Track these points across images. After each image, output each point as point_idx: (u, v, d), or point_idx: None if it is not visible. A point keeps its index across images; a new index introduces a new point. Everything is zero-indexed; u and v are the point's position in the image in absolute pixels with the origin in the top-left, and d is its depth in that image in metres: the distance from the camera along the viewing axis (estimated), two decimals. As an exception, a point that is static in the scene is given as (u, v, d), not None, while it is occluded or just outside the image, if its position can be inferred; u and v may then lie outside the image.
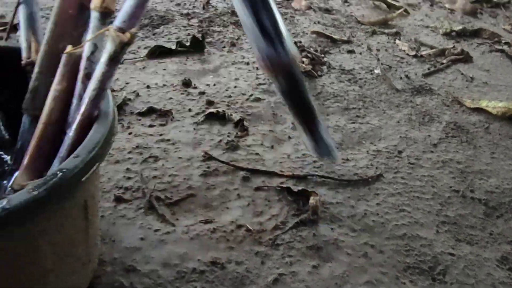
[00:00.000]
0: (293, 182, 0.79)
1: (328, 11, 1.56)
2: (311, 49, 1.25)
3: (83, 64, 0.48)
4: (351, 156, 0.88)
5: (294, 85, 0.35)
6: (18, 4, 0.53)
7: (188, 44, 1.18)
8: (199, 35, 1.21)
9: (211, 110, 0.94)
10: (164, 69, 1.09)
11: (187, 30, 1.31)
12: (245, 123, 0.92)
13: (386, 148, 0.91)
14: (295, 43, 1.23)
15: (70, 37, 0.50)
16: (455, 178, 0.85)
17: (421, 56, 1.31)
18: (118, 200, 0.72)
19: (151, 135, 0.87)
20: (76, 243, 0.49)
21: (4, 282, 0.40)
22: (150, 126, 0.89)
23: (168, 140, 0.86)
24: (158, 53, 1.13)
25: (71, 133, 0.45)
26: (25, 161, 0.48)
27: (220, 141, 0.87)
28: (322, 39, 1.34)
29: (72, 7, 0.50)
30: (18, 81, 0.53)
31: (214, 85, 1.05)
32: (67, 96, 0.48)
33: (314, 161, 0.85)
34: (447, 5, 1.74)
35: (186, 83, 1.03)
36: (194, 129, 0.89)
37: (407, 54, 1.32)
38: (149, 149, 0.83)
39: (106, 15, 0.46)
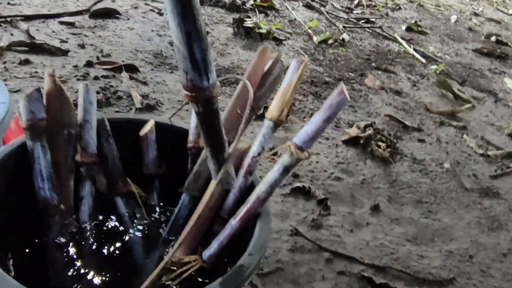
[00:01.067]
0: (373, 271, 0.84)
1: (398, 93, 1.64)
2: (385, 132, 1.32)
3: (247, 160, 0.55)
4: (425, 253, 0.92)
5: (210, 111, 0.39)
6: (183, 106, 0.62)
7: (274, 110, 1.26)
8: (284, 103, 1.30)
9: (297, 184, 1.00)
10: (252, 132, 1.17)
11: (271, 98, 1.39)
12: (328, 202, 0.98)
13: (457, 250, 0.95)
14: (371, 124, 1.30)
15: (235, 132, 0.58)
16: (525, 294, 0.88)
17: (488, 156, 1.36)
18: (216, 262, 0.78)
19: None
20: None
21: None
22: (242, 190, 0.96)
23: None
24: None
25: (234, 222, 0.52)
26: (183, 236, 0.55)
27: (306, 217, 0.93)
28: (394, 123, 1.41)
29: (241, 109, 0.58)
30: (178, 160, 0.61)
31: (298, 156, 1.12)
32: (228, 186, 0.55)
33: (391, 253, 0.90)
34: (511, 104, 1.80)
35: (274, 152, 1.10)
36: (282, 201, 0.96)
37: (475, 152, 1.37)
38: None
39: (278, 125, 0.54)
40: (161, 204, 0.62)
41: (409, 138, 1.36)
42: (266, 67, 0.60)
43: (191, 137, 0.61)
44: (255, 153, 0.55)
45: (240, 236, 0.52)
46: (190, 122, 0.62)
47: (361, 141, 1.23)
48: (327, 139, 1.23)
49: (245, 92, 0.58)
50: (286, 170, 0.51)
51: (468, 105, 1.63)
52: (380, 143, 1.23)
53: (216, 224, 0.56)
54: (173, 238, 0.57)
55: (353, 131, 1.26)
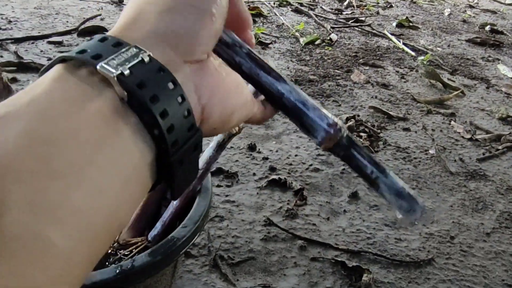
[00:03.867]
0: (347, 256, 0.84)
1: (385, 86, 1.64)
2: (369, 123, 1.32)
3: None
4: (403, 236, 0.92)
5: (349, 151, 0.32)
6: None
7: (254, 109, 1.28)
8: (264, 102, 1.31)
9: (274, 176, 1.01)
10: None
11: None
12: (305, 193, 0.98)
13: (438, 232, 0.94)
14: (353, 116, 1.31)
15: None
16: (507, 271, 0.86)
17: (476, 140, 1.34)
18: (186, 255, 0.79)
19: (217, 195, 0.95)
20: (161, 296, 0.56)
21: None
22: (218, 186, 0.97)
23: (233, 201, 0.93)
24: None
25: (175, 202, 0.53)
26: (131, 220, 0.56)
27: (281, 207, 0.93)
28: (379, 114, 1.41)
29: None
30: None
31: (277, 151, 1.13)
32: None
33: (368, 238, 0.90)
34: (503, 89, 1.78)
35: (251, 147, 1.11)
36: (257, 193, 0.97)
37: (462, 137, 1.35)
38: (216, 209, 0.91)
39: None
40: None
41: (393, 127, 1.35)
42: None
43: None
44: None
45: (184, 214, 0.53)
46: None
47: (342, 133, 1.23)
48: (308, 133, 1.24)
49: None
50: (220, 146, 0.52)
51: (456, 92, 1.62)
52: (361, 134, 1.23)
53: (163, 207, 0.57)
54: (124, 223, 0.58)
55: (335, 124, 1.26)
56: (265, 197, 0.96)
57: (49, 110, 0.18)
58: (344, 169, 1.11)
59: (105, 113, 0.19)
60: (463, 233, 0.95)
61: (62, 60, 0.21)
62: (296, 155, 1.13)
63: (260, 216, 0.90)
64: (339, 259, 0.82)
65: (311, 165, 1.10)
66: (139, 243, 0.54)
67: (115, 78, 0.20)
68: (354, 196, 1.01)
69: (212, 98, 0.24)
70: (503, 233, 0.97)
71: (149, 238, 0.53)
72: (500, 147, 1.32)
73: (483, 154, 1.28)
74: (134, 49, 0.21)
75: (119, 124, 0.20)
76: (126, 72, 0.20)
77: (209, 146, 0.53)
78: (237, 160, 1.07)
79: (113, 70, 0.20)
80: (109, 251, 0.55)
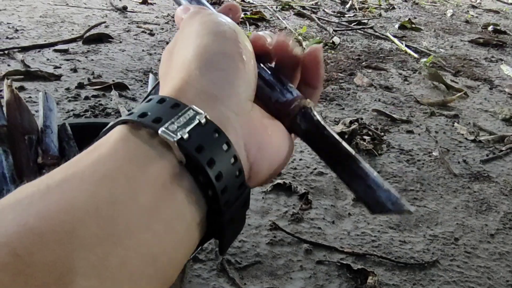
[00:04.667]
0: (353, 259, 0.85)
1: (388, 88, 1.65)
2: (372, 127, 1.33)
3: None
4: (408, 238, 0.92)
5: (312, 126, 0.29)
6: (148, 95, 0.66)
7: (258, 114, 1.29)
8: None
9: (278, 181, 1.02)
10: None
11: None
12: (309, 197, 0.99)
13: (442, 233, 0.95)
14: (357, 119, 1.32)
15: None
16: (512, 272, 0.87)
17: (480, 141, 1.35)
18: (195, 259, 0.80)
19: (223, 199, 0.96)
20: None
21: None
22: (223, 190, 0.98)
23: (239, 206, 0.94)
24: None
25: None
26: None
27: (286, 212, 0.95)
28: (382, 117, 1.42)
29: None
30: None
31: (281, 155, 1.14)
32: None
33: (373, 240, 0.91)
34: (507, 90, 1.78)
35: (256, 152, 1.13)
36: (263, 198, 0.98)
37: (466, 138, 1.36)
38: (222, 213, 0.92)
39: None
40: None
41: (397, 130, 1.36)
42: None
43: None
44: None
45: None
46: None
47: (346, 136, 1.24)
48: (312, 137, 1.25)
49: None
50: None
51: (459, 94, 1.63)
52: (365, 137, 1.24)
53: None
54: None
55: (338, 128, 1.27)
56: (270, 202, 0.97)
57: (113, 172, 0.19)
58: (348, 172, 1.12)
59: (164, 177, 0.20)
60: (467, 235, 0.96)
61: (123, 122, 0.22)
62: (300, 159, 1.14)
63: (266, 221, 0.91)
64: (345, 262, 0.83)
65: (315, 169, 1.11)
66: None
67: (176, 143, 0.21)
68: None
69: (260, 154, 0.24)
70: (507, 234, 0.98)
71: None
72: (503, 148, 1.33)
73: (487, 155, 1.29)
74: (191, 112, 0.22)
75: (174, 187, 0.20)
76: (186, 136, 0.21)
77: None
78: (242, 165, 1.08)
79: (173, 135, 0.21)
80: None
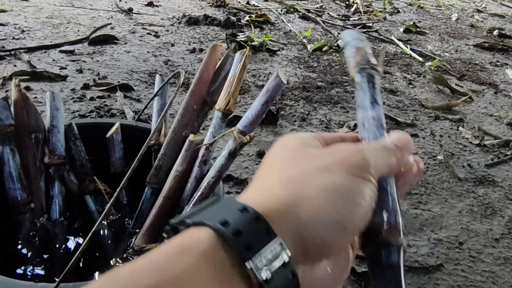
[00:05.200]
0: (357, 262, 0.85)
1: (393, 92, 1.64)
2: (376, 129, 1.33)
3: (201, 151, 0.58)
4: (412, 242, 0.92)
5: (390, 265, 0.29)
6: (154, 96, 0.66)
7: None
8: (273, 108, 1.33)
9: (283, 182, 1.02)
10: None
11: (261, 101, 1.43)
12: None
13: (447, 237, 0.95)
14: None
15: (192, 126, 0.62)
16: (517, 277, 0.87)
17: (485, 145, 1.35)
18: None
19: (228, 200, 0.96)
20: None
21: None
22: (228, 192, 0.99)
23: (243, 207, 0.94)
24: (236, 122, 1.25)
25: (188, 209, 0.55)
26: (145, 227, 0.58)
27: (290, 213, 0.94)
28: (387, 120, 1.41)
29: (196, 104, 0.61)
30: (144, 158, 0.65)
31: (285, 158, 1.14)
32: (185, 176, 0.58)
33: (377, 243, 0.90)
34: (511, 94, 1.78)
35: (260, 154, 1.13)
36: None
37: (470, 142, 1.36)
38: (226, 214, 0.92)
39: (227, 115, 0.57)
40: (131, 199, 0.66)
41: (401, 133, 1.36)
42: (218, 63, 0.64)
43: (153, 135, 0.65)
44: (207, 143, 0.58)
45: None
46: (152, 121, 0.66)
47: (350, 139, 1.24)
48: (316, 139, 1.25)
49: (199, 88, 0.62)
50: (231, 155, 0.54)
51: (464, 98, 1.62)
52: (369, 140, 1.24)
53: (177, 214, 0.59)
54: (138, 230, 0.60)
55: (343, 131, 1.27)
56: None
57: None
58: (352, 175, 1.11)
59: None
60: (472, 239, 0.95)
61: (201, 223, 0.22)
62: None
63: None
64: (348, 265, 0.83)
65: (319, 171, 1.11)
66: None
67: (257, 284, 0.22)
68: (362, 202, 1.01)
69: None
70: (512, 239, 0.97)
71: (163, 244, 0.55)
72: (508, 153, 1.32)
73: (492, 159, 1.28)
74: (279, 247, 0.22)
75: None
76: (269, 277, 0.22)
77: (220, 154, 0.54)
78: (246, 167, 1.08)
79: (259, 275, 0.22)
80: (124, 255, 0.57)
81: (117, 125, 0.67)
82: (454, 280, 0.84)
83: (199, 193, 0.55)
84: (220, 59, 0.64)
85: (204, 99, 0.62)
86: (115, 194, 0.52)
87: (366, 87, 0.35)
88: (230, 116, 0.59)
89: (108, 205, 0.52)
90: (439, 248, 0.91)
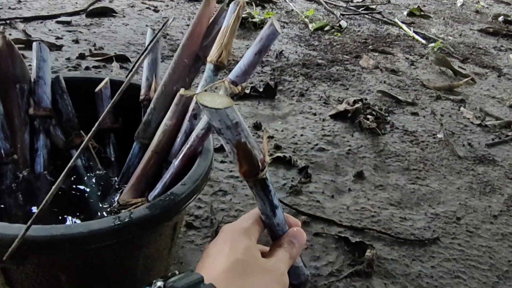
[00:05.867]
0: (351, 233, 0.83)
1: (394, 72, 1.62)
2: (376, 107, 1.30)
3: (192, 105, 0.56)
4: (409, 216, 0.90)
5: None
6: (145, 50, 0.64)
7: (261, 90, 1.27)
8: (272, 83, 1.30)
9: (278, 154, 1.00)
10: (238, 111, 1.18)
11: (260, 76, 1.41)
12: (309, 171, 0.97)
13: (444, 212, 0.93)
14: (361, 100, 1.29)
15: (183, 81, 0.59)
16: (514, 252, 0.85)
17: (486, 125, 1.32)
18: (189, 226, 0.79)
19: (221, 170, 0.94)
20: (161, 259, 0.56)
21: (101, 281, 0.47)
22: (222, 162, 0.97)
23: (237, 177, 0.93)
24: (233, 95, 1.23)
25: (176, 162, 0.53)
26: (132, 181, 0.56)
27: (285, 184, 0.93)
28: (387, 98, 1.39)
29: (188, 58, 0.59)
30: (133, 113, 0.63)
31: (282, 131, 1.12)
32: (175, 131, 0.56)
33: (372, 216, 0.89)
34: (515, 78, 1.75)
35: (257, 126, 1.11)
36: (262, 170, 0.96)
37: (471, 123, 1.33)
38: (219, 183, 0.90)
39: (219, 68, 0.55)
40: (120, 157, 0.64)
41: (401, 112, 1.33)
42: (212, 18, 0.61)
43: (142, 90, 0.62)
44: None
45: (184, 175, 0.52)
46: (142, 76, 0.63)
47: (349, 115, 1.22)
48: (314, 114, 1.23)
49: (191, 42, 0.60)
50: (222, 106, 0.51)
51: (466, 79, 1.59)
52: (368, 116, 1.22)
53: (165, 169, 0.57)
54: (125, 186, 0.58)
55: (342, 106, 1.25)
56: (269, 174, 0.95)
57: None
58: (349, 149, 1.09)
59: None
60: (470, 215, 0.94)
61: None
62: (301, 135, 1.12)
63: (264, 192, 0.89)
64: (343, 235, 0.81)
65: (316, 144, 1.09)
66: (139, 203, 0.53)
67: None
68: (359, 175, 0.99)
69: None
70: (511, 216, 0.95)
71: (149, 199, 0.53)
72: (510, 133, 1.30)
73: (493, 139, 1.26)
74: None
75: None
76: None
77: (211, 105, 0.52)
78: (242, 138, 1.06)
79: None
80: (109, 209, 0.55)
81: (106, 79, 0.64)
82: (450, 253, 0.83)
83: (188, 146, 0.53)
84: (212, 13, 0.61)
85: (196, 53, 0.60)
86: (89, 136, 0.50)
87: (263, 196, 0.40)
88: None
89: (81, 148, 0.50)
90: (436, 223, 0.90)
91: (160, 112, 0.59)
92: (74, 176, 0.60)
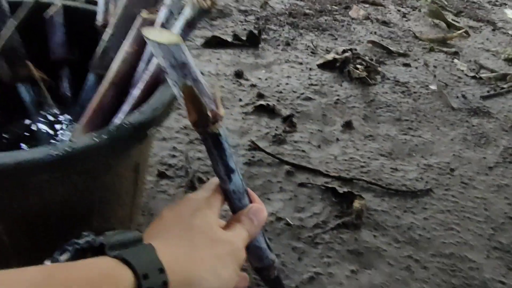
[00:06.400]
0: (339, 183, 0.77)
1: (385, 23, 1.53)
2: (366, 57, 1.22)
3: (155, 27, 0.47)
4: (400, 166, 0.85)
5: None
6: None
7: (244, 38, 1.18)
8: (255, 31, 1.21)
9: (261, 102, 0.93)
10: (218, 59, 1.09)
11: (243, 25, 1.31)
12: (294, 120, 0.90)
13: (437, 164, 0.87)
14: (350, 49, 1.21)
15: (146, 3, 0.50)
16: (511, 204, 0.80)
17: (480, 78, 1.26)
18: (161, 175, 0.72)
19: (199, 119, 0.86)
20: (123, 206, 0.49)
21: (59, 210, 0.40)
22: (200, 110, 0.89)
23: (216, 126, 0.85)
24: (214, 43, 1.14)
25: (136, 91, 0.45)
26: (86, 115, 0.48)
27: (267, 133, 0.86)
28: (378, 49, 1.31)
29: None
30: (89, 43, 0.54)
31: (266, 79, 1.04)
32: (136, 60, 0.48)
33: (361, 166, 0.83)
34: (510, 32, 1.68)
35: (238, 74, 1.02)
36: (243, 118, 0.88)
37: (466, 75, 1.27)
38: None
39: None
40: (76, 94, 0.56)
41: (393, 62, 1.26)
42: None
43: (100, 15, 0.54)
44: (163, 19, 0.47)
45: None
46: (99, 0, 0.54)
47: (338, 64, 1.14)
48: (301, 63, 1.15)
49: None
50: (189, 25, 0.43)
51: (460, 31, 1.52)
52: (358, 66, 1.14)
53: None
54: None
55: (330, 56, 1.17)
56: (251, 122, 0.88)
57: None
58: (338, 99, 1.02)
59: None
60: (464, 166, 0.88)
61: (128, 263, 0.26)
62: (287, 84, 1.04)
63: (245, 141, 0.82)
64: (330, 186, 0.75)
65: (302, 93, 1.01)
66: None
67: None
68: (348, 125, 0.93)
69: None
70: (507, 168, 0.90)
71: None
72: (505, 86, 1.24)
73: (488, 92, 1.20)
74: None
75: None
76: None
77: (174, 24, 0.44)
78: (222, 86, 0.98)
79: None
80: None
81: (58, 4, 0.55)
82: (444, 205, 0.77)
83: (149, 72, 0.45)
84: None
85: (161, -32, 0.51)
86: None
87: (216, 155, 0.37)
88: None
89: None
90: (428, 174, 0.84)
91: (119, 39, 0.50)
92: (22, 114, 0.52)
